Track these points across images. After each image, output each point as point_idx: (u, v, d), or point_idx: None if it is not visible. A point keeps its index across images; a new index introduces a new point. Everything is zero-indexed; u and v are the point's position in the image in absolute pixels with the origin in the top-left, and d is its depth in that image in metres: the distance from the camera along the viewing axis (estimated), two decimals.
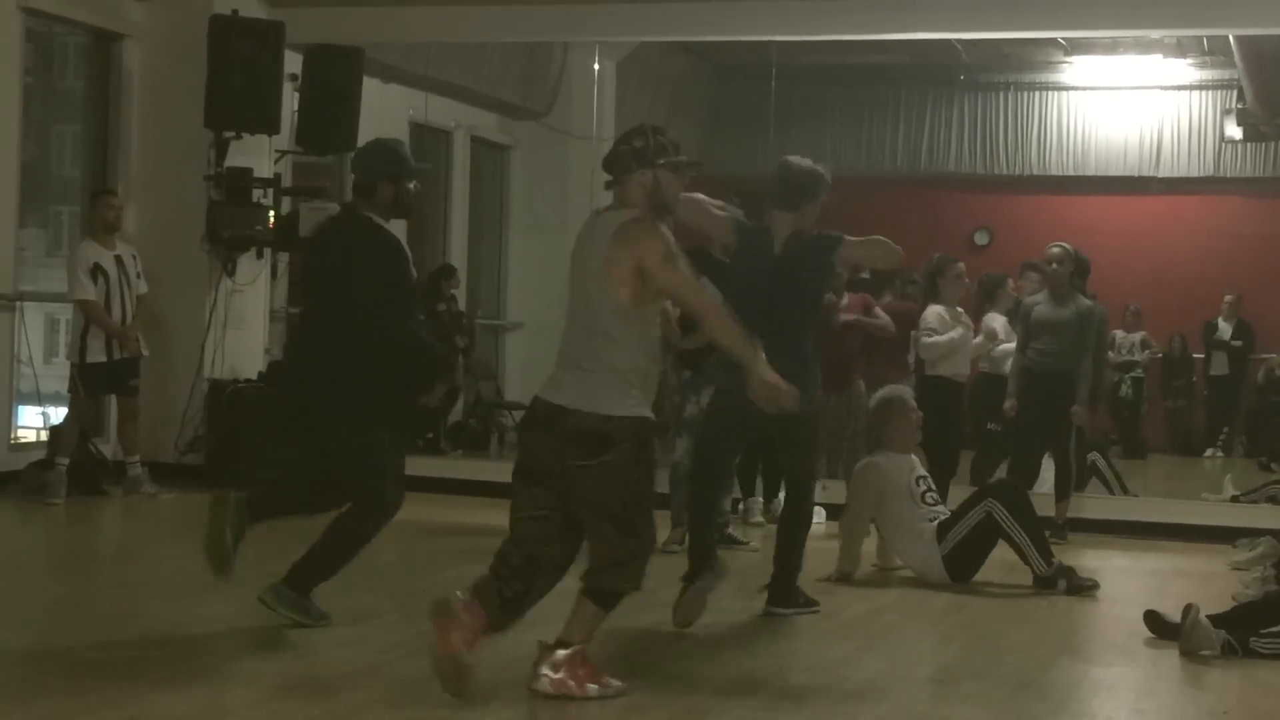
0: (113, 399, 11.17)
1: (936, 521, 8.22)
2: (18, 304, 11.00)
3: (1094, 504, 11.12)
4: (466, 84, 14.61)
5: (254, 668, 5.80)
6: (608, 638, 6.30)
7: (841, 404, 10.80)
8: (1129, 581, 8.42)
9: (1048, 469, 10.63)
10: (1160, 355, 18.24)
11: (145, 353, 10.85)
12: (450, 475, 11.58)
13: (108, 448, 11.37)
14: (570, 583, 5.51)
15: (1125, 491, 12.07)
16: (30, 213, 12.16)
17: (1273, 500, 11.32)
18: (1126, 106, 18.95)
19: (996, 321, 11.21)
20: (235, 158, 11.67)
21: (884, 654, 6.53)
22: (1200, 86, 18.64)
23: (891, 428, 8.54)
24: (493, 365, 15.92)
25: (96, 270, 10.55)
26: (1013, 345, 10.77)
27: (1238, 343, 17.94)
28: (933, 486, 8.51)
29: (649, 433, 5.42)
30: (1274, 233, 18.13)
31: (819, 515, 9.39)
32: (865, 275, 11.44)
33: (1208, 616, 6.56)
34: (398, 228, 6.67)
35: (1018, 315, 10.79)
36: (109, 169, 12.02)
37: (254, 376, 11.93)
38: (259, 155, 11.92)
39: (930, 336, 10.19)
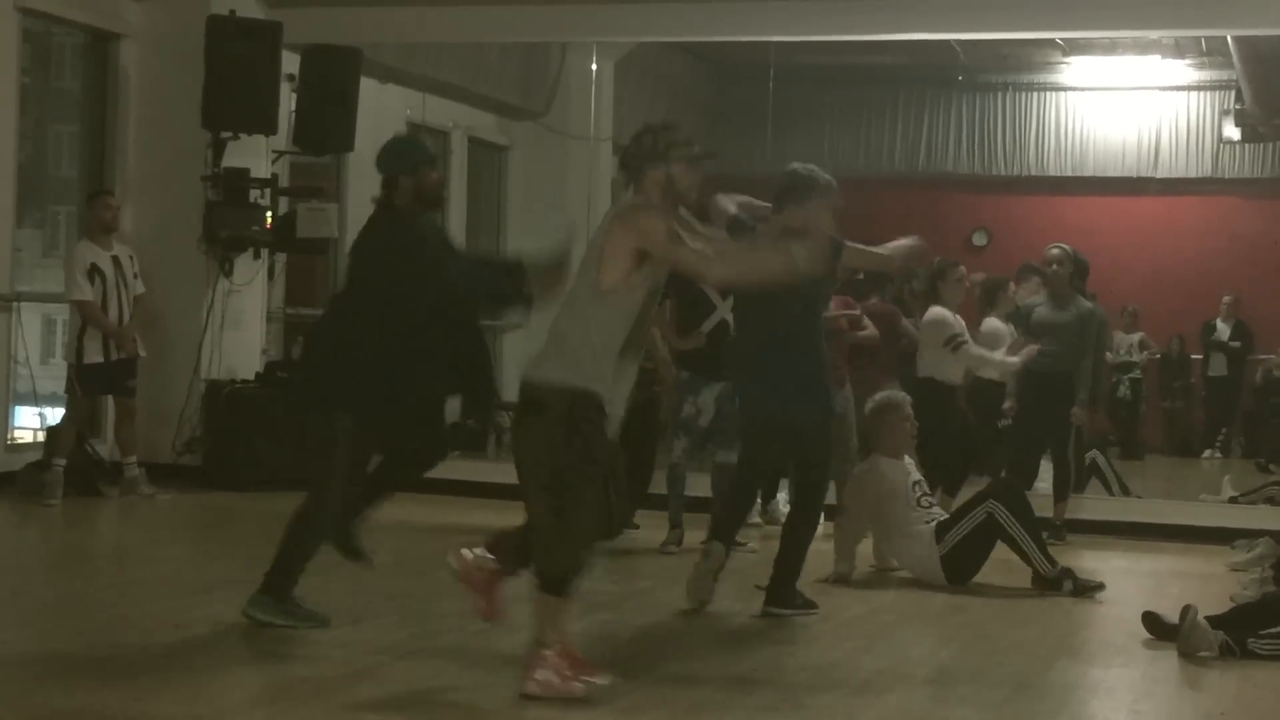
0: (110, 400, 11.16)
1: (934, 523, 8.21)
2: (15, 304, 10.99)
3: (1092, 505, 11.11)
4: (464, 84, 14.61)
5: (252, 669, 5.79)
6: (606, 638, 6.30)
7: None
8: (1127, 582, 8.41)
9: (1045, 470, 10.63)
10: (1158, 356, 18.24)
11: (142, 353, 10.84)
12: (447, 476, 11.53)
13: (105, 448, 11.36)
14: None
15: (1126, 492, 12.07)
16: (27, 213, 12.15)
17: (1271, 501, 11.31)
18: (1125, 107, 18.96)
19: (998, 326, 11.14)
20: (232, 158, 11.66)
21: (882, 655, 6.52)
22: (1198, 87, 18.65)
23: (886, 432, 8.54)
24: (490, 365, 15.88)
25: (94, 271, 10.55)
26: (999, 355, 10.60)
27: (1236, 344, 17.94)
28: (928, 490, 8.51)
29: (585, 408, 5.36)
30: (1272, 233, 18.13)
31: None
32: (860, 276, 11.40)
33: (1206, 618, 6.55)
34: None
35: (1016, 318, 10.77)
36: (106, 169, 12.01)
37: (251, 377, 11.91)
38: (256, 156, 11.91)
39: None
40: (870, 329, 10.64)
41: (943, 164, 19.55)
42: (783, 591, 7.24)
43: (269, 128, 11.69)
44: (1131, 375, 17.58)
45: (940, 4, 11.39)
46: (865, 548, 8.59)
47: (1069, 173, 19.25)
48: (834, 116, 19.27)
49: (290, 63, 11.95)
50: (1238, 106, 17.85)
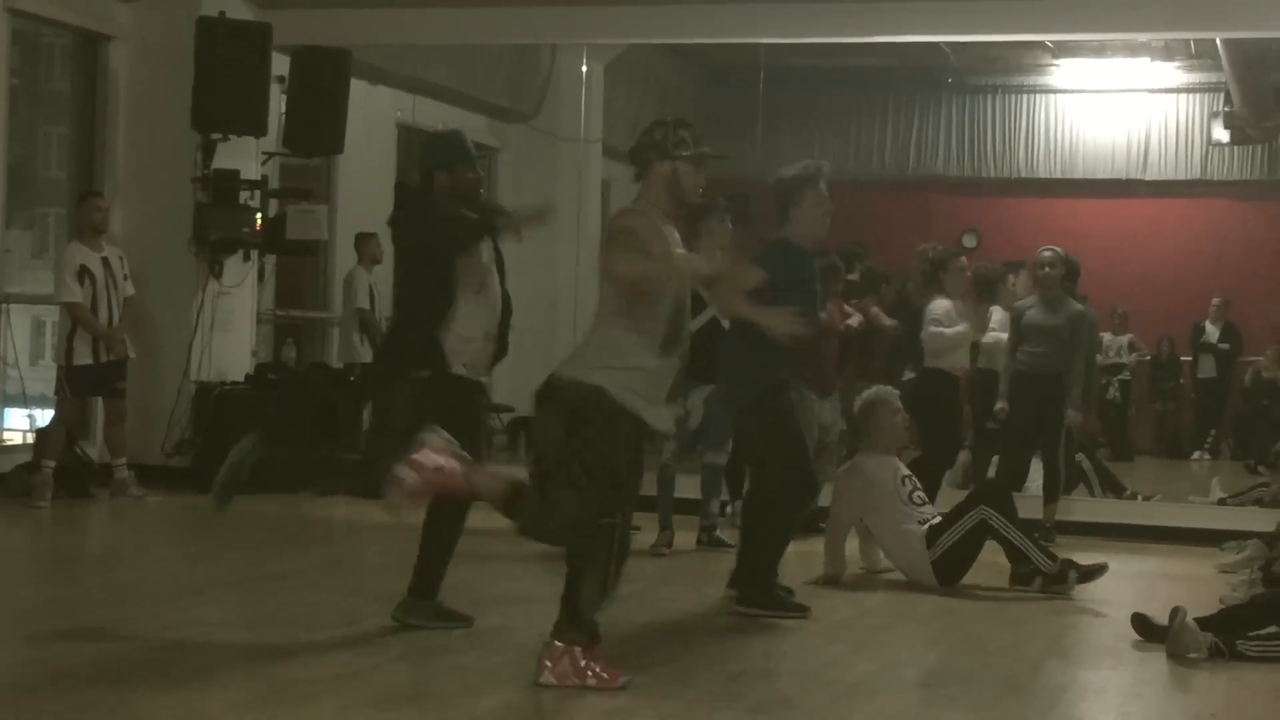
0: (99, 401, 11.15)
1: (927, 525, 8.20)
2: (4, 306, 10.98)
3: (1082, 506, 11.13)
4: (454, 86, 14.60)
5: (242, 671, 5.78)
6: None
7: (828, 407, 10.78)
8: (1116, 584, 8.42)
9: (1036, 470, 10.64)
10: (1148, 358, 18.28)
11: (132, 355, 10.82)
12: None
13: (94, 450, 11.34)
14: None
15: (1116, 493, 12.07)
16: (16, 214, 12.14)
17: (1259, 503, 11.34)
18: (1114, 109, 18.99)
19: (995, 314, 11.15)
20: (222, 159, 11.65)
21: (871, 657, 6.52)
22: (1187, 90, 18.69)
23: (875, 429, 8.53)
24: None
25: (83, 272, 10.53)
26: (1004, 335, 10.72)
27: (1225, 345, 17.97)
28: (918, 486, 8.49)
29: (593, 408, 5.39)
30: (1261, 236, 18.18)
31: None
32: (853, 277, 11.43)
33: (1195, 619, 6.56)
34: None
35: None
36: (96, 171, 12.00)
37: (241, 379, 11.90)
38: (246, 157, 11.91)
39: (936, 327, 10.03)
40: (886, 320, 10.75)
41: (932, 166, 19.57)
42: (748, 590, 7.24)
43: (259, 129, 11.68)
44: (1121, 377, 17.60)
45: (930, 6, 11.40)
46: (854, 549, 8.59)
47: (1058, 175, 19.28)
48: (824, 118, 19.28)
49: (280, 64, 11.95)
50: (1227, 109, 17.90)
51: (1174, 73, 18.36)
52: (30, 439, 11.27)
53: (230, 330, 12.03)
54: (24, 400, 11.51)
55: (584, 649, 5.45)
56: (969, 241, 18.89)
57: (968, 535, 8.06)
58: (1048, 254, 10.47)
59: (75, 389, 10.61)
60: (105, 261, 10.66)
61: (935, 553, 8.09)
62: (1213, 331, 18.07)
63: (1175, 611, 6.60)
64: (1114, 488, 12.16)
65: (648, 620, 6.80)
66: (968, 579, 8.16)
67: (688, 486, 9.45)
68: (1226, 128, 18.07)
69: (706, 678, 5.88)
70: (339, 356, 13.84)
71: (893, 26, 11.69)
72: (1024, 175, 19.36)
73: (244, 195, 11.79)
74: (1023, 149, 19.36)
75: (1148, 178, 18.95)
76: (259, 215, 11.88)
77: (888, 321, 11.17)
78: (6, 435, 11.58)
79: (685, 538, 9.23)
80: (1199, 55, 17.52)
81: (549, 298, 13.94)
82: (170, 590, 7.55)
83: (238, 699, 5.33)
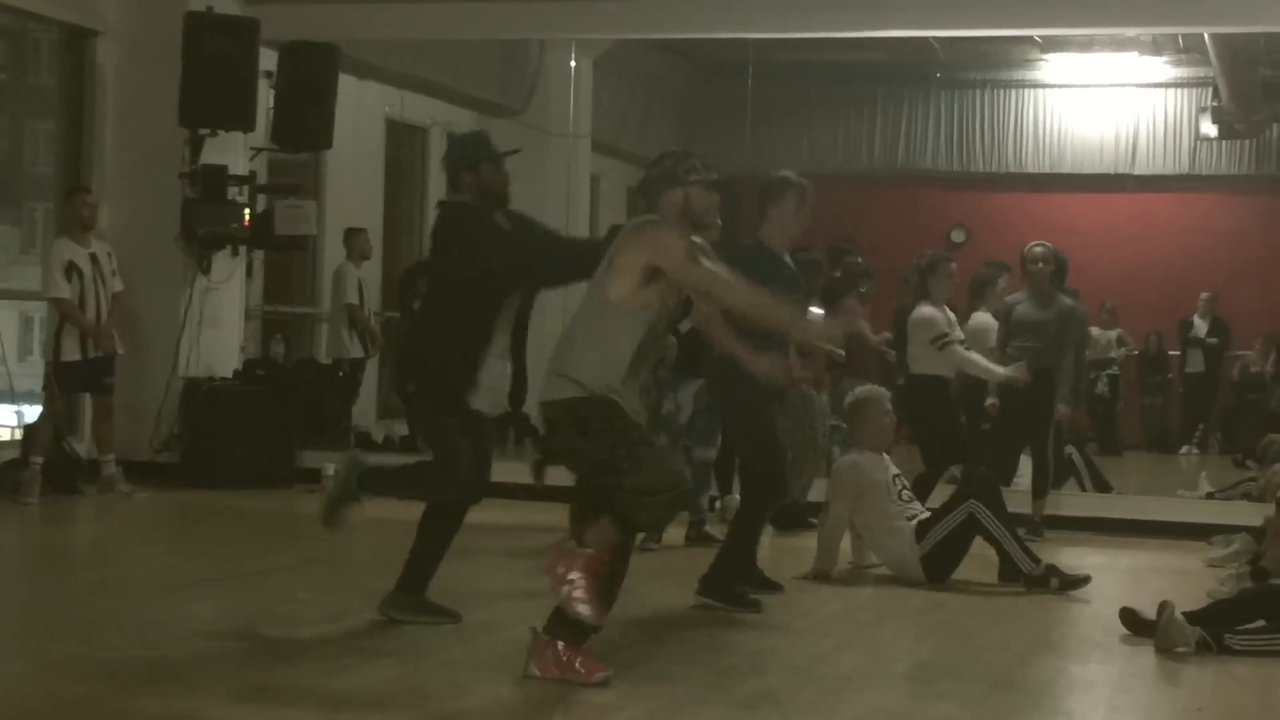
0: (87, 397, 11.13)
1: (916, 520, 8.21)
2: None
3: (1070, 501, 11.14)
4: (443, 81, 14.59)
5: (230, 668, 5.77)
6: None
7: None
8: (1105, 579, 8.42)
9: (1024, 466, 10.64)
10: (1136, 352, 18.31)
11: (120, 351, 10.80)
12: None
13: (82, 446, 11.32)
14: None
15: (1104, 488, 12.08)
16: (4, 210, 12.14)
17: (1248, 497, 11.35)
18: (1102, 104, 19.03)
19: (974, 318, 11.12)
20: (210, 155, 11.62)
21: (861, 651, 6.53)
22: (1176, 84, 18.73)
23: (865, 426, 8.54)
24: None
25: (71, 268, 10.51)
26: (985, 362, 10.52)
27: (1213, 340, 18.02)
28: (907, 484, 8.50)
29: (590, 409, 5.52)
30: (1249, 230, 18.22)
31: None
32: (836, 275, 11.40)
33: (1183, 613, 6.56)
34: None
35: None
36: (83, 166, 11.96)
37: (229, 374, 11.89)
38: (234, 152, 11.88)
39: (958, 348, 9.74)
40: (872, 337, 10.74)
41: (921, 161, 19.60)
42: (714, 584, 7.25)
43: (247, 124, 11.65)
44: (1109, 372, 17.64)
45: (918, 1, 11.41)
46: (846, 544, 8.59)
47: (1047, 169, 19.31)
48: (812, 113, 19.31)
49: (268, 59, 11.92)
50: (1215, 104, 17.92)
51: (1162, 67, 18.40)
52: (18, 435, 11.25)
53: (219, 326, 12.01)
54: (12, 396, 11.49)
55: (568, 644, 5.46)
56: (957, 237, 18.93)
57: (957, 530, 8.05)
58: (1038, 249, 10.46)
59: (63, 385, 10.59)
60: (93, 257, 10.64)
61: (925, 546, 8.09)
62: (1201, 326, 18.11)
63: (1163, 606, 6.60)
64: (1103, 488, 12.13)
65: (637, 615, 6.79)
66: (957, 574, 8.16)
67: None
68: (1214, 122, 18.10)
69: (696, 672, 5.88)
70: (327, 352, 13.84)
71: (881, 21, 11.69)
72: (1013, 170, 19.39)
73: (232, 190, 11.76)
74: (1011, 144, 19.39)
75: (1136, 172, 18.99)
76: (247, 210, 11.84)
77: (874, 339, 11.07)
78: None
79: (674, 533, 9.23)
80: (1187, 50, 17.56)
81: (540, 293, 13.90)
82: (158, 586, 7.54)
83: (226, 694, 5.33)
